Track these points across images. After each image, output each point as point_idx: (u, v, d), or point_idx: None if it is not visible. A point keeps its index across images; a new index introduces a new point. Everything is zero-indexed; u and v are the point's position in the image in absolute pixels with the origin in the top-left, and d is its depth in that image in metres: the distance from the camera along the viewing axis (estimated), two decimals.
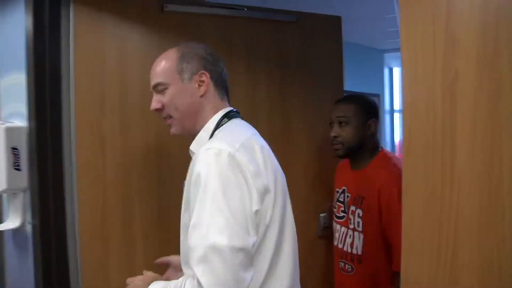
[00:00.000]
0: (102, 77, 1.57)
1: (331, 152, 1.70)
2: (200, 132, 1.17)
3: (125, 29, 1.60)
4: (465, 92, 0.83)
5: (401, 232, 1.38)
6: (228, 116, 1.17)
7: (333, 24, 2.02)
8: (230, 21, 1.79)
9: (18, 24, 1.52)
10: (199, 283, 0.89)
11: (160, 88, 1.16)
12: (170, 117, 1.17)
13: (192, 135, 1.19)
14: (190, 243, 0.95)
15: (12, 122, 1.54)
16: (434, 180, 0.87)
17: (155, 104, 1.17)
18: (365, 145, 1.63)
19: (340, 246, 1.66)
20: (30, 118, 1.51)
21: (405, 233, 0.92)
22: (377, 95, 3.98)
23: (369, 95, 3.82)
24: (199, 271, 0.89)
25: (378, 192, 1.52)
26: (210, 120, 1.16)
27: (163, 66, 1.17)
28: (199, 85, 1.15)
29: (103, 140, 1.57)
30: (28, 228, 1.57)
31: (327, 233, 1.90)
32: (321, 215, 1.94)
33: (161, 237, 1.65)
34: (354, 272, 1.59)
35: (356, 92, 3.13)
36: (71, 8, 1.52)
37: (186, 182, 1.06)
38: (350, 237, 1.61)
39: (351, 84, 3.12)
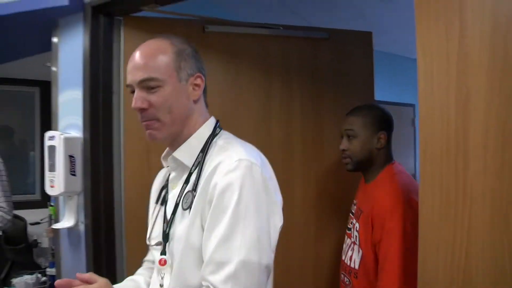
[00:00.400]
0: None
1: None
2: (191, 139, 1.02)
3: None
4: (477, 108, 0.89)
5: (391, 252, 1.36)
6: (219, 126, 1.08)
7: (364, 39, 2.08)
8: (266, 39, 1.90)
9: (76, 47, 1.72)
10: None
11: (151, 85, 0.96)
12: (157, 120, 0.98)
13: (173, 143, 1.04)
14: (215, 257, 0.88)
15: (69, 133, 1.73)
16: (448, 189, 0.93)
17: (140, 102, 0.96)
18: (374, 158, 1.56)
19: (343, 257, 1.62)
20: (85, 130, 1.70)
21: (421, 238, 0.98)
22: (412, 105, 3.95)
23: (403, 105, 3.82)
24: None
25: (372, 207, 1.47)
26: (204, 127, 1.04)
27: (159, 59, 0.98)
28: (193, 88, 1.02)
29: (148, 149, 1.73)
30: (81, 227, 1.74)
31: None
32: None
33: None
34: (351, 287, 1.54)
35: (389, 102, 3.16)
36: (122, 32, 1.71)
37: (200, 193, 0.95)
38: (351, 250, 1.57)
39: (385, 94, 3.13)
